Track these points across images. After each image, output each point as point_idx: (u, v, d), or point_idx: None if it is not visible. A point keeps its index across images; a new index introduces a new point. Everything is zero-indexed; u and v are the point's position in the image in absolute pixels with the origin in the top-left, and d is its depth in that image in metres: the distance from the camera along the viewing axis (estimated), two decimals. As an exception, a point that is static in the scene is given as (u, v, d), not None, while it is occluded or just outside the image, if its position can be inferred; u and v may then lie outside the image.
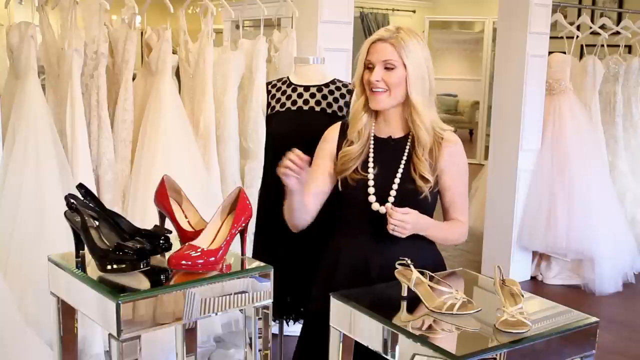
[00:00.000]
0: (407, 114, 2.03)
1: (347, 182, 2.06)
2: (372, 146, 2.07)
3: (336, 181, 2.10)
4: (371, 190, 2.02)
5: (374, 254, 2.04)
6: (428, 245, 2.08)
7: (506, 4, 4.87)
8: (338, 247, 2.11)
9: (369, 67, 2.01)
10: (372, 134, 2.08)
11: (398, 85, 1.99)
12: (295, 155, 1.84)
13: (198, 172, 3.30)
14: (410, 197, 2.00)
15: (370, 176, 2.03)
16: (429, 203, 2.03)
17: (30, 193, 2.90)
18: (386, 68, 1.98)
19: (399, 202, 1.98)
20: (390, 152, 2.06)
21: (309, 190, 2.03)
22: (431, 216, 2.05)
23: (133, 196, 3.18)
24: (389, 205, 1.97)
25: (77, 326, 1.98)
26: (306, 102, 2.51)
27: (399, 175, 2.02)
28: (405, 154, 2.05)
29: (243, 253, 1.96)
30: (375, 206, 2.01)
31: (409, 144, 2.06)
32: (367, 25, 10.21)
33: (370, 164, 2.05)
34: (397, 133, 2.08)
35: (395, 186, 2.02)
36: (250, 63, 3.61)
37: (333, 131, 2.15)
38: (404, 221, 1.90)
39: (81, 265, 1.88)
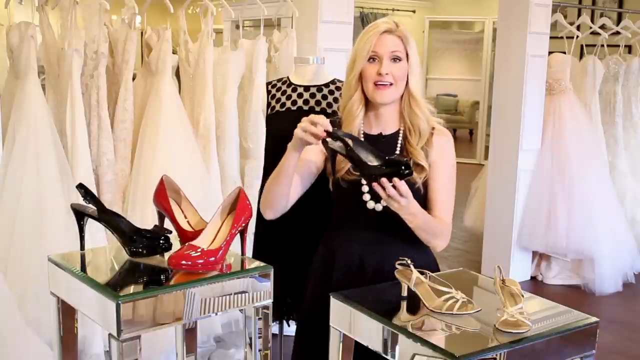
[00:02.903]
0: (404, 106, 2.02)
1: (339, 183, 2.03)
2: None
3: (320, 175, 2.07)
4: (365, 188, 1.99)
5: (369, 255, 2.03)
6: (423, 247, 2.05)
7: (506, 4, 4.88)
8: (332, 249, 2.09)
9: (372, 59, 1.99)
10: (362, 132, 2.06)
11: (403, 78, 1.99)
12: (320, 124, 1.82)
13: (198, 172, 3.30)
14: None
15: None
16: (421, 195, 2.00)
17: (30, 193, 2.90)
18: (393, 60, 1.97)
19: None
20: (381, 148, 2.00)
21: (297, 174, 2.00)
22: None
23: (133, 196, 3.18)
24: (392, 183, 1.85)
25: (77, 326, 1.98)
26: (306, 102, 2.52)
27: None
28: (398, 148, 2.03)
29: (243, 253, 1.96)
30: (371, 204, 1.99)
31: (400, 139, 2.04)
32: (367, 25, 10.21)
33: None
34: (388, 129, 2.05)
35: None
36: (250, 63, 3.61)
37: None
38: (403, 195, 1.80)
39: (81, 265, 1.88)
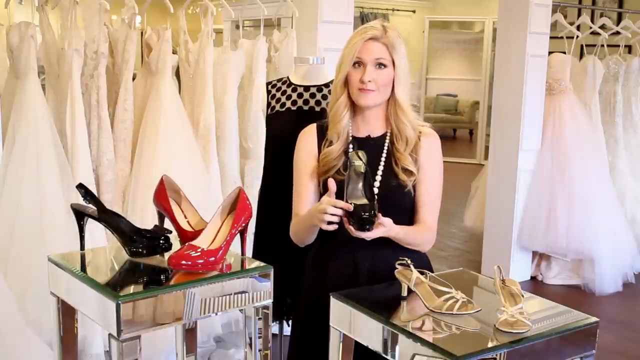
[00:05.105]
0: (390, 112, 2.03)
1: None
2: (351, 146, 2.05)
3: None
4: None
5: (362, 258, 2.02)
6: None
7: (506, 4, 4.88)
8: (325, 252, 2.07)
9: (357, 64, 1.99)
10: (350, 134, 2.06)
11: (387, 84, 1.99)
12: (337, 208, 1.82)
13: (198, 172, 3.30)
14: (393, 192, 1.99)
15: None
16: (412, 196, 2.01)
17: (30, 193, 2.90)
18: (377, 67, 1.97)
19: (382, 199, 1.95)
20: (369, 150, 2.02)
21: (309, 199, 2.03)
22: (411, 209, 2.03)
23: (133, 196, 3.18)
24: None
25: (77, 326, 1.98)
26: (306, 102, 2.52)
27: (379, 172, 2.01)
28: (385, 151, 2.04)
29: (243, 253, 1.96)
30: None
31: (387, 141, 2.05)
32: (366, 25, 10.21)
33: None
34: (375, 132, 2.06)
35: (377, 183, 1.99)
36: (250, 63, 3.62)
37: (310, 132, 2.11)
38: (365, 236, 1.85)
39: (81, 265, 1.88)
